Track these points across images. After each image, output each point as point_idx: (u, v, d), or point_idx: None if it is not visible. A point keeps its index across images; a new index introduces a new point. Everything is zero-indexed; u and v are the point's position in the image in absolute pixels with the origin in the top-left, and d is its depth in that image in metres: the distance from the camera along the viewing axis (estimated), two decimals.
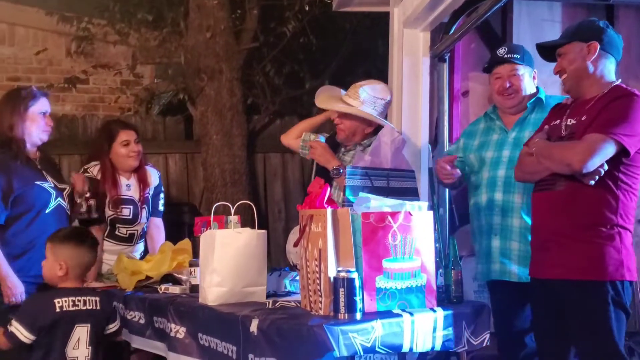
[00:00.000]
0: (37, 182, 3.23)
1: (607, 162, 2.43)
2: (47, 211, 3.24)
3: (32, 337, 2.75)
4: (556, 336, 2.63)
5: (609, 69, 2.60)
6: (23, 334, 2.74)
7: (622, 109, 2.46)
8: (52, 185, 3.29)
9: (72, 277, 2.89)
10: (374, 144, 2.83)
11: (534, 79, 3.12)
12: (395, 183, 2.71)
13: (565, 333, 2.59)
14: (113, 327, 3.00)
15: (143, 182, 3.65)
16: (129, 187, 3.63)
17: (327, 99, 3.34)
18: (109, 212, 3.58)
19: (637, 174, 2.50)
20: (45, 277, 2.92)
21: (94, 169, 3.60)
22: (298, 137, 3.53)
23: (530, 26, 3.94)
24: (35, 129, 3.29)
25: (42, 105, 3.33)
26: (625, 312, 2.48)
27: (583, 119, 2.52)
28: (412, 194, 2.74)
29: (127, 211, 3.59)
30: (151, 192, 3.71)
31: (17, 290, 3.11)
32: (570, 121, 2.58)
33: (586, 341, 2.51)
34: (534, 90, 3.11)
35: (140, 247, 3.70)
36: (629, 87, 2.57)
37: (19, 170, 3.20)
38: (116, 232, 3.60)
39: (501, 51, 3.10)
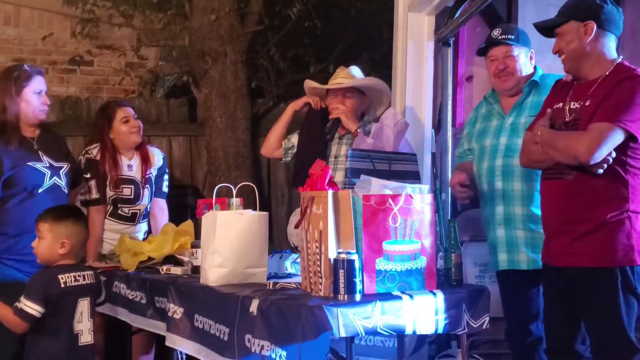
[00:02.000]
0: (29, 163, 3.22)
1: (614, 148, 2.39)
2: (40, 191, 3.24)
3: (42, 310, 2.77)
4: (565, 323, 2.63)
5: (609, 47, 2.53)
6: (33, 307, 2.76)
7: (627, 93, 2.41)
8: (47, 164, 3.28)
9: (73, 254, 2.91)
10: (376, 126, 2.84)
11: (531, 59, 3.07)
12: (397, 166, 2.71)
13: (574, 320, 2.60)
14: (100, 299, 3.07)
15: (145, 160, 3.67)
16: (130, 167, 3.65)
17: (321, 84, 3.46)
18: (110, 192, 3.60)
19: None
20: (42, 258, 2.90)
21: (94, 150, 3.62)
22: (278, 147, 3.60)
23: (536, 10, 3.91)
24: (31, 109, 3.27)
25: (36, 84, 3.29)
26: (636, 297, 2.45)
27: (587, 103, 2.48)
28: (413, 177, 2.74)
29: (128, 191, 3.61)
30: (155, 173, 3.73)
31: None
32: (574, 105, 2.54)
33: (596, 328, 2.51)
34: (530, 70, 3.06)
35: (143, 227, 3.72)
36: (632, 66, 2.52)
37: (10, 152, 3.19)
38: (118, 212, 3.62)
39: (495, 33, 3.06)
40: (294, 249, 3.04)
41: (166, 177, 3.83)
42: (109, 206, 3.62)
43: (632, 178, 2.45)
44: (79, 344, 2.84)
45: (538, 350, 2.98)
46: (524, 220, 2.96)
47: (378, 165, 2.64)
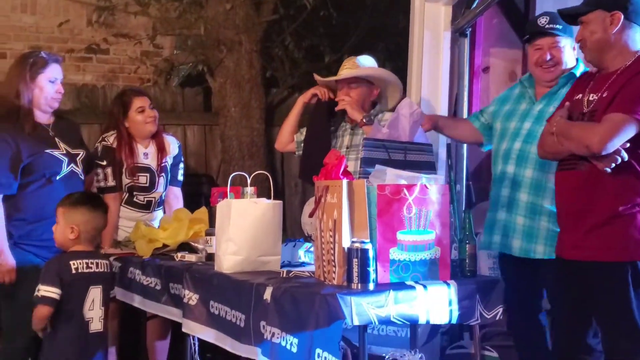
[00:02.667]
0: (47, 150, 3.25)
1: (629, 140, 2.37)
2: (58, 178, 3.27)
3: (59, 292, 2.81)
4: (576, 316, 2.63)
5: (634, 39, 2.50)
6: (51, 290, 2.81)
7: None
8: (64, 152, 3.31)
9: (83, 241, 2.93)
10: (392, 116, 2.83)
11: (574, 50, 2.99)
12: (413, 156, 2.70)
13: (586, 313, 2.59)
14: (113, 292, 3.07)
15: (161, 149, 3.70)
16: (146, 155, 3.67)
17: (329, 76, 3.52)
18: (126, 180, 3.63)
19: None
20: (57, 242, 2.96)
21: (111, 138, 3.64)
22: (290, 141, 3.64)
23: (554, 1, 3.87)
24: (44, 97, 3.28)
25: (52, 72, 3.30)
26: None
27: (605, 95, 2.46)
28: (429, 167, 2.73)
29: (143, 179, 3.64)
30: (170, 162, 3.76)
31: (5, 268, 3.13)
32: (593, 96, 2.51)
33: (607, 322, 2.50)
34: (573, 62, 3.02)
35: (158, 214, 3.75)
36: None
37: (27, 139, 3.21)
38: (134, 200, 3.65)
39: (542, 21, 2.98)
40: (308, 238, 3.04)
41: (181, 165, 3.85)
42: (125, 194, 3.64)
43: None
44: (90, 332, 2.87)
45: (543, 340, 2.99)
46: (526, 207, 2.95)
47: (393, 155, 2.64)
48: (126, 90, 3.91)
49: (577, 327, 2.63)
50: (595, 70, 2.62)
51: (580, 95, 2.57)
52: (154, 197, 3.68)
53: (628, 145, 2.38)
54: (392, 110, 3.34)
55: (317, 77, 3.58)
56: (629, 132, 2.36)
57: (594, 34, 2.50)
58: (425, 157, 2.76)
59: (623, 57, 2.49)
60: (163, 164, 3.70)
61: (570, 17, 2.62)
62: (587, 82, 2.61)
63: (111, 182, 3.59)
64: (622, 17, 2.46)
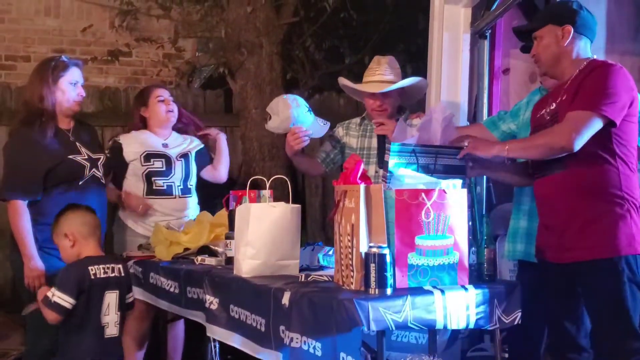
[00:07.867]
0: (70, 156, 3.27)
1: (598, 136, 2.41)
2: (80, 182, 3.30)
3: (73, 302, 2.83)
4: (568, 318, 2.64)
5: (584, 49, 2.59)
6: (67, 300, 2.81)
7: (599, 80, 2.45)
8: (86, 157, 3.34)
9: (87, 245, 2.93)
10: (424, 119, 2.78)
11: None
12: (444, 160, 2.65)
13: (578, 314, 2.61)
14: (130, 297, 3.06)
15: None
16: (165, 146, 3.67)
17: (355, 76, 3.40)
18: (142, 168, 3.59)
19: (631, 140, 2.49)
20: (66, 261, 2.98)
21: (122, 137, 3.66)
22: (320, 168, 3.56)
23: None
24: (67, 99, 3.32)
25: (73, 75, 3.34)
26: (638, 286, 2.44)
27: (564, 98, 2.52)
28: (460, 172, 2.67)
29: (159, 163, 3.61)
30: (193, 150, 3.77)
31: (35, 273, 3.15)
32: (553, 105, 2.58)
33: (600, 320, 2.50)
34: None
35: (188, 203, 3.67)
36: (604, 60, 2.57)
37: (50, 145, 3.24)
38: (153, 187, 3.59)
39: None
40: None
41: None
42: (143, 184, 3.59)
43: (622, 165, 2.47)
44: (105, 337, 2.88)
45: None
46: None
47: (422, 159, 2.61)
48: (147, 86, 3.94)
49: (569, 328, 2.64)
50: (551, 89, 2.70)
51: (543, 111, 2.65)
52: (173, 182, 3.64)
53: None
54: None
55: (344, 80, 3.39)
56: (595, 126, 2.40)
57: (547, 47, 2.59)
58: (457, 161, 2.71)
59: (575, 65, 2.56)
60: (183, 151, 3.69)
61: (524, 34, 2.70)
62: (547, 98, 2.69)
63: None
64: (572, 30, 2.54)
